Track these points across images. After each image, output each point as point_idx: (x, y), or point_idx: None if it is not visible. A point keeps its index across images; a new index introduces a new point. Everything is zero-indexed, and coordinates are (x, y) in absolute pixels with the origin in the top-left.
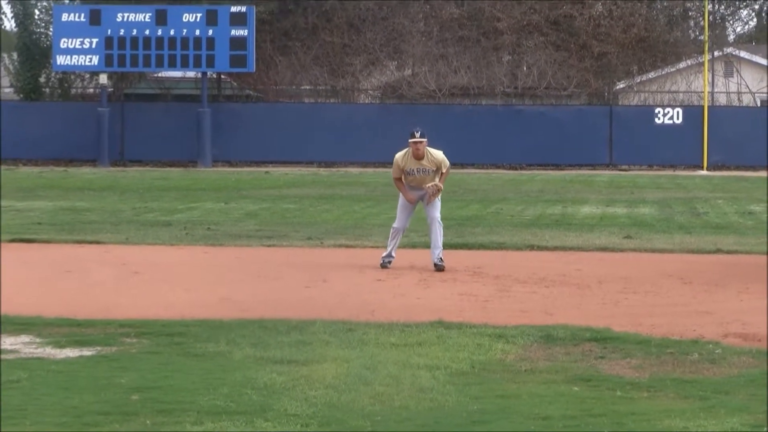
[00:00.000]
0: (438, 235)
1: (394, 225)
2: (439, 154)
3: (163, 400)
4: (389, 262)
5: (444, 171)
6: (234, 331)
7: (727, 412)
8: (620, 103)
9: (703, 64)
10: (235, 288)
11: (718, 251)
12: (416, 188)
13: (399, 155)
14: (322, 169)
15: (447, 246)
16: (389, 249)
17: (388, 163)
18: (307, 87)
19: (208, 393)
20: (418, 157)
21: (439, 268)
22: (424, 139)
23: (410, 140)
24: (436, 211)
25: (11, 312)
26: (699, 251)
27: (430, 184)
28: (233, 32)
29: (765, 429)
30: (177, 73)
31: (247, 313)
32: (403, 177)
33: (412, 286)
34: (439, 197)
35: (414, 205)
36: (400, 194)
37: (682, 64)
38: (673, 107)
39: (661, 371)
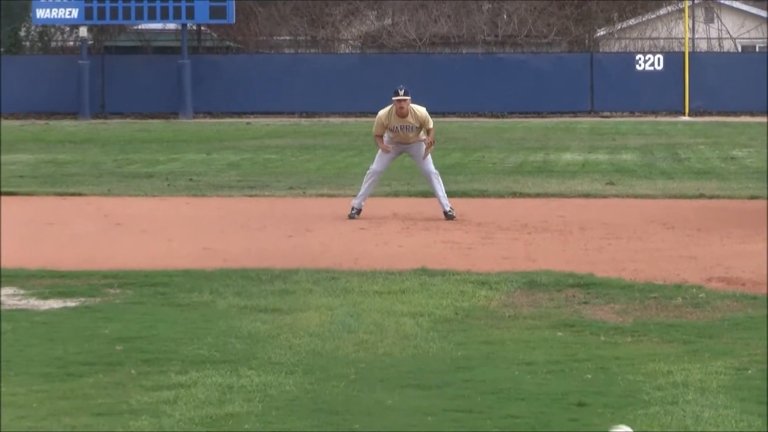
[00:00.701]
0: (438, 187)
1: (372, 167)
2: (422, 111)
3: (147, 350)
4: (357, 213)
5: (430, 128)
6: (217, 281)
7: (711, 355)
8: (601, 50)
9: (683, 10)
10: (217, 238)
11: (700, 196)
12: (400, 143)
13: (382, 113)
14: (303, 119)
15: (430, 194)
16: (359, 198)
17: (370, 112)
18: (287, 38)
19: (192, 342)
20: (402, 115)
21: (449, 216)
22: (408, 97)
23: (394, 98)
24: (429, 164)
25: None
26: (681, 197)
27: (426, 140)
28: None
29: (749, 371)
30: (157, 25)
31: (230, 263)
32: (386, 134)
33: (395, 234)
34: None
35: (395, 154)
36: (382, 146)
37: (662, 11)
38: (653, 54)
39: (644, 316)
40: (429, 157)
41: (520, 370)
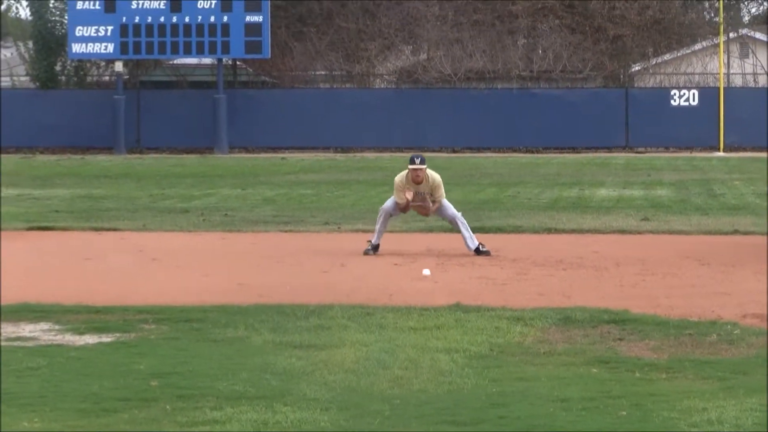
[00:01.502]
0: (464, 229)
1: (385, 205)
2: (436, 178)
3: (182, 385)
4: (373, 250)
5: (440, 195)
6: (252, 317)
7: (746, 392)
8: (636, 85)
9: (718, 45)
10: (253, 274)
11: (735, 232)
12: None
13: (399, 179)
14: (338, 154)
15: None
16: (375, 236)
17: (405, 147)
18: (323, 72)
19: (227, 378)
20: (418, 182)
21: (482, 252)
22: (424, 166)
23: (410, 167)
24: (450, 209)
25: (31, 299)
26: (716, 232)
27: (425, 209)
28: (248, 18)
29: None
30: (192, 60)
31: (265, 298)
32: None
33: (430, 270)
34: (445, 198)
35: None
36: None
37: (697, 46)
38: (688, 89)
39: (679, 352)
40: (447, 203)
41: (555, 406)
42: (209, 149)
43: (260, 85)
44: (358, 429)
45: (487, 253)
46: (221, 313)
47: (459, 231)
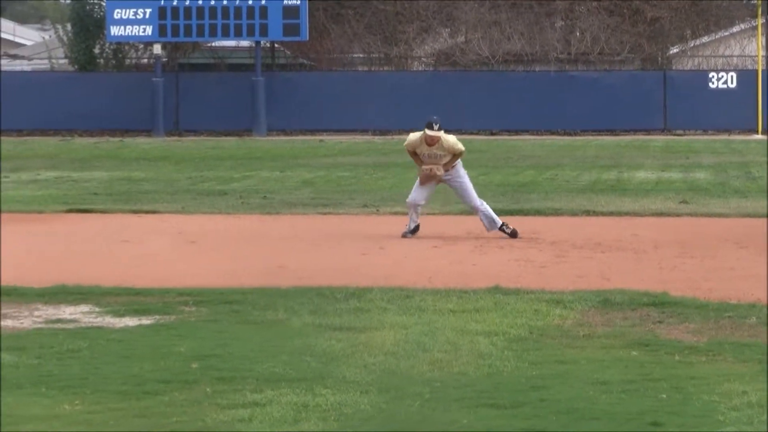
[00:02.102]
0: (488, 215)
1: (410, 197)
2: (450, 139)
3: (223, 367)
4: (410, 232)
5: (461, 149)
6: (292, 299)
7: None
8: (674, 67)
9: (756, 27)
10: (292, 256)
11: None
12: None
13: (414, 136)
14: (376, 137)
15: (504, 212)
16: (410, 223)
17: (444, 130)
18: (360, 55)
19: (267, 360)
20: (431, 144)
21: (512, 233)
22: (441, 133)
23: (427, 131)
24: (473, 198)
25: (70, 282)
26: (755, 215)
27: (441, 169)
28: (286, 1)
29: None
30: (231, 43)
31: (304, 280)
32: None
33: (468, 253)
34: (467, 180)
35: (433, 188)
36: (419, 172)
37: (735, 28)
38: (727, 71)
39: (719, 335)
40: (468, 189)
41: (595, 389)
42: (248, 132)
43: (298, 67)
44: (398, 411)
45: (514, 233)
46: (260, 295)
47: (481, 218)
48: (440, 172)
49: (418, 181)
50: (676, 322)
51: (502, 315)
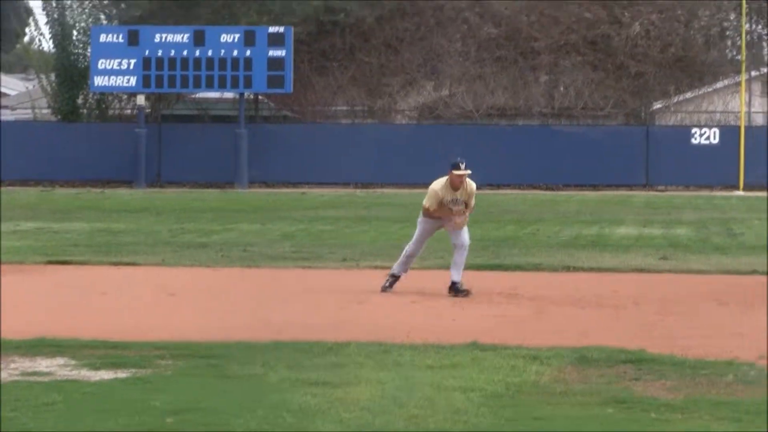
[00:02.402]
0: (463, 258)
1: (410, 249)
2: (473, 186)
3: (198, 422)
4: (390, 286)
5: (473, 204)
6: (269, 354)
7: None
8: (657, 123)
9: (740, 83)
10: (271, 310)
11: (754, 272)
12: (440, 218)
13: (438, 186)
14: (358, 190)
15: (484, 267)
16: (396, 270)
17: (426, 183)
18: (344, 108)
19: (244, 415)
20: (457, 187)
21: (461, 292)
22: (469, 171)
23: (455, 172)
24: (466, 235)
25: (48, 334)
26: (735, 272)
27: (460, 219)
28: (271, 53)
29: None
30: (215, 94)
31: (282, 335)
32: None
33: (448, 308)
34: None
35: (431, 232)
36: (423, 220)
37: (719, 84)
38: (709, 127)
39: (695, 393)
40: (466, 228)
41: None
42: (230, 184)
43: (282, 119)
44: None
45: (465, 293)
46: (238, 349)
47: (458, 257)
48: (463, 220)
49: (422, 230)
50: (652, 379)
51: (479, 371)
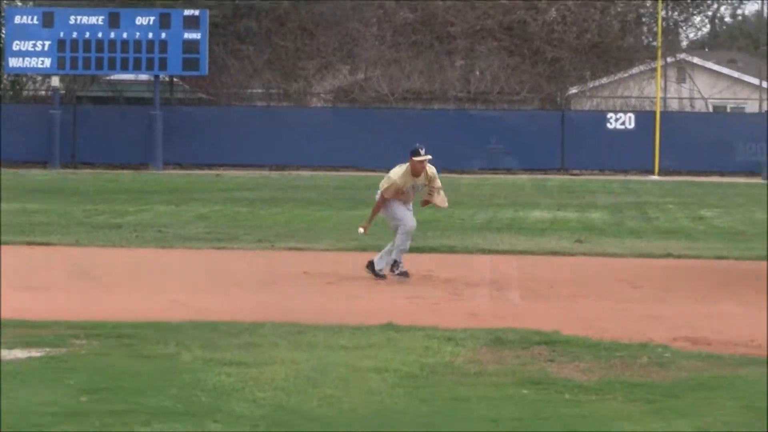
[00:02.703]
0: (399, 242)
1: (408, 227)
2: (432, 168)
3: (113, 401)
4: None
5: (438, 183)
6: (184, 333)
7: (676, 415)
8: (572, 108)
9: (655, 69)
10: (185, 290)
11: (668, 256)
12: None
13: (397, 175)
14: (273, 172)
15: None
16: (397, 257)
17: (340, 166)
18: (260, 90)
19: (157, 395)
20: (418, 173)
21: (398, 271)
22: (429, 156)
23: (416, 158)
24: (413, 217)
25: None
26: (649, 256)
27: (440, 201)
28: (186, 35)
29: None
30: (129, 76)
31: (197, 315)
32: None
33: (363, 289)
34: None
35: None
36: (390, 202)
37: (634, 70)
38: (625, 112)
39: (609, 374)
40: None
41: (485, 427)
42: (144, 165)
43: (197, 101)
44: None
45: (403, 274)
46: (153, 329)
47: (395, 240)
48: (443, 198)
49: (398, 207)
50: (567, 361)
51: (394, 351)
